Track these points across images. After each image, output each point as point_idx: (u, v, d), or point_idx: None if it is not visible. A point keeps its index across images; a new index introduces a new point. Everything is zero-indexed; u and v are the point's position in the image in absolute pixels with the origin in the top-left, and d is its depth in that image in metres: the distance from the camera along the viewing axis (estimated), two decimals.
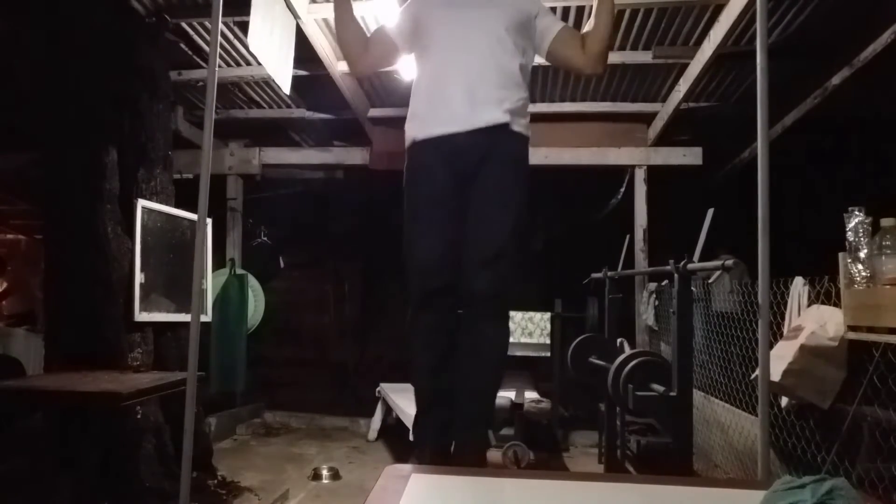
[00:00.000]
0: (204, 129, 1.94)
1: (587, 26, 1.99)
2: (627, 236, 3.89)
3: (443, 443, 1.89)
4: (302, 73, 3.98)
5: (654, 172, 5.21)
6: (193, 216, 3.49)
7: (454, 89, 1.87)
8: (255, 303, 5.20)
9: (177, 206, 3.67)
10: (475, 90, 1.86)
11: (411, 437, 3.60)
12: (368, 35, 2.13)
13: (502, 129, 1.87)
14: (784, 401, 2.60)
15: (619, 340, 3.83)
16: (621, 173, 5.49)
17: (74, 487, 2.60)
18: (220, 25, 3.74)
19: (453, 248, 1.88)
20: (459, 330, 1.92)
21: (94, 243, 3.10)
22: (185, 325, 2.59)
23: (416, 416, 1.99)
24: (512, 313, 4.13)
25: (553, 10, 3.52)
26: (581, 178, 5.45)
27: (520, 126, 1.92)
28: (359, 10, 3.37)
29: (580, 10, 3.46)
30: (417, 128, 1.95)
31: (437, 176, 1.89)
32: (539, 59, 2.05)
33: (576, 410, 5.13)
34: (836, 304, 2.24)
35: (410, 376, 2.03)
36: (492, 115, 1.86)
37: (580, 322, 5.06)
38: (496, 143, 1.87)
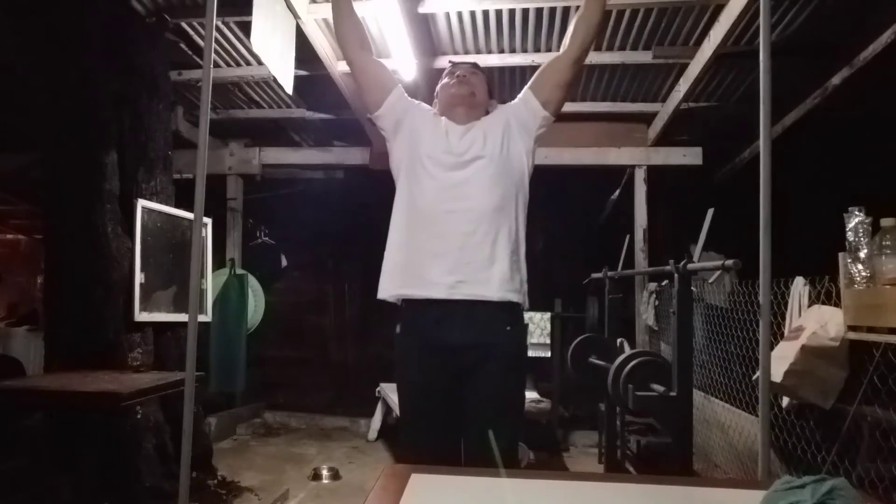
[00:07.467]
0: (199, 129, 1.93)
1: (576, 15, 1.94)
2: (627, 236, 3.89)
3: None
4: (302, 73, 3.98)
5: (654, 172, 5.22)
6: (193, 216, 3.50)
7: (442, 262, 1.71)
8: (255, 303, 5.20)
9: (177, 206, 3.67)
10: (463, 269, 1.69)
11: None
12: (367, 35, 2.07)
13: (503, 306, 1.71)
14: (785, 401, 2.60)
15: (619, 340, 3.83)
16: (621, 173, 5.49)
17: (74, 487, 2.59)
18: (221, 25, 3.81)
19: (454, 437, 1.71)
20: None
21: (94, 243, 3.10)
22: (185, 325, 2.59)
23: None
24: None
25: (552, 10, 3.53)
26: (581, 178, 5.44)
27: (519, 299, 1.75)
28: (359, 11, 3.36)
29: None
30: (403, 284, 1.78)
31: (432, 367, 1.71)
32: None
33: (576, 410, 5.14)
34: (837, 304, 2.24)
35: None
36: (482, 292, 1.69)
37: (580, 322, 5.06)
38: (495, 331, 1.70)
